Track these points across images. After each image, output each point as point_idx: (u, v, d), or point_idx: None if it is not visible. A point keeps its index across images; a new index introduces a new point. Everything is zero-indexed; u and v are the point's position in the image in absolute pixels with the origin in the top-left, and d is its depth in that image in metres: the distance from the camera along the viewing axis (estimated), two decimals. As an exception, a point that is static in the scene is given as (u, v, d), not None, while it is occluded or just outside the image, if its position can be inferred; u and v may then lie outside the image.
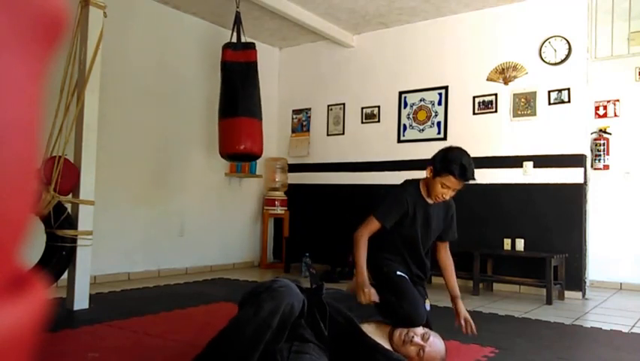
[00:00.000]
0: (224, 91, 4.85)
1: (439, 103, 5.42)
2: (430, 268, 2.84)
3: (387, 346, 2.11)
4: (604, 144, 5.45)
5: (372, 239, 2.61)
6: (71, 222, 3.34)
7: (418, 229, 2.69)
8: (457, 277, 5.10)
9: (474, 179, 2.63)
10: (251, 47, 4.97)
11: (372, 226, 2.62)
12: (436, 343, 2.12)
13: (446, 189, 2.61)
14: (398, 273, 2.63)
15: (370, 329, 2.14)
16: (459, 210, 5.21)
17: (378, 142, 5.76)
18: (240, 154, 4.86)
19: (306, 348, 1.90)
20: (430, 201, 2.73)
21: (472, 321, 2.59)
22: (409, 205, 2.66)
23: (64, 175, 3.24)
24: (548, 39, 4.81)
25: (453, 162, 2.61)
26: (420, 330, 2.14)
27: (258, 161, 6.16)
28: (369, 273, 2.53)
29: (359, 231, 2.60)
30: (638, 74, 5.38)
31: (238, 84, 4.79)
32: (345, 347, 2.03)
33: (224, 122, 4.82)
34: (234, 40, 4.95)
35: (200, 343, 2.62)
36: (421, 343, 2.07)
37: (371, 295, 2.35)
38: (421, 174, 5.87)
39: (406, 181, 2.90)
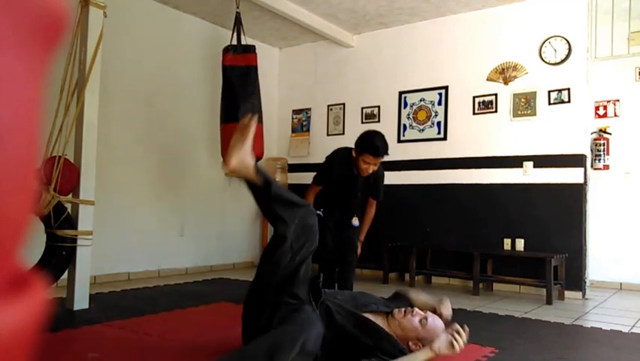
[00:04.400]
0: (225, 95, 4.90)
1: (439, 103, 5.41)
2: (357, 207, 3.68)
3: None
4: (604, 144, 5.44)
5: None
6: (71, 222, 3.34)
7: (344, 191, 3.51)
8: (457, 276, 5.13)
9: (387, 154, 3.30)
10: (251, 50, 4.97)
11: (313, 189, 3.58)
12: (435, 316, 2.19)
13: (367, 165, 3.29)
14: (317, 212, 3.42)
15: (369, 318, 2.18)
16: (458, 210, 5.23)
17: (378, 142, 5.76)
18: None
19: (304, 308, 1.98)
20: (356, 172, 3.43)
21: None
22: (334, 173, 3.49)
23: (64, 175, 3.24)
24: (548, 39, 4.81)
25: (367, 142, 3.29)
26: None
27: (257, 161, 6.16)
28: None
29: (306, 194, 3.55)
30: (638, 74, 5.38)
31: (238, 89, 4.83)
32: (346, 341, 2.04)
33: (225, 127, 4.87)
34: (235, 41, 4.96)
35: (200, 343, 2.62)
36: (423, 313, 2.13)
37: None
38: (421, 175, 5.88)
39: (338, 150, 3.65)
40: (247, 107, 4.81)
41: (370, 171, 3.32)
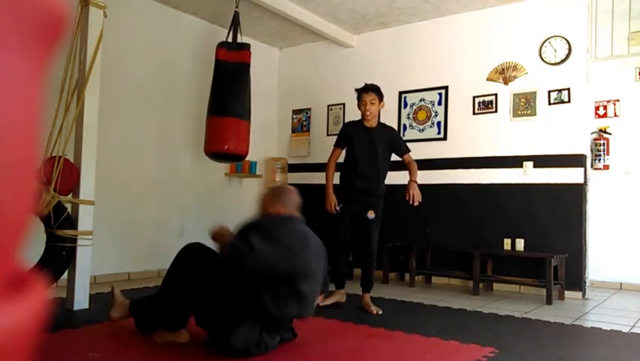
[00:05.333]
0: (214, 89, 4.83)
1: (439, 103, 5.42)
2: (381, 185, 3.97)
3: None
4: (604, 144, 5.45)
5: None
6: (71, 222, 3.34)
7: (362, 151, 3.88)
8: (457, 276, 5.13)
9: (374, 90, 3.94)
10: (245, 47, 4.96)
11: (334, 153, 4.01)
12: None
13: (363, 105, 3.89)
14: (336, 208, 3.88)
15: None
16: (458, 210, 5.24)
17: (378, 142, 5.76)
18: (224, 154, 4.80)
19: None
20: (369, 125, 3.92)
21: (417, 196, 3.75)
22: (348, 133, 3.97)
23: (64, 175, 3.24)
24: (548, 39, 4.81)
25: (357, 90, 4.04)
26: None
27: (257, 161, 6.16)
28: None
29: (328, 161, 4.01)
30: (638, 74, 5.38)
31: (229, 84, 4.76)
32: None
33: (211, 121, 4.78)
34: (231, 39, 4.95)
35: (199, 343, 2.62)
36: None
37: (332, 205, 3.88)
38: (421, 175, 5.91)
39: (347, 122, 4.32)
40: (236, 103, 4.75)
41: (370, 110, 3.85)
